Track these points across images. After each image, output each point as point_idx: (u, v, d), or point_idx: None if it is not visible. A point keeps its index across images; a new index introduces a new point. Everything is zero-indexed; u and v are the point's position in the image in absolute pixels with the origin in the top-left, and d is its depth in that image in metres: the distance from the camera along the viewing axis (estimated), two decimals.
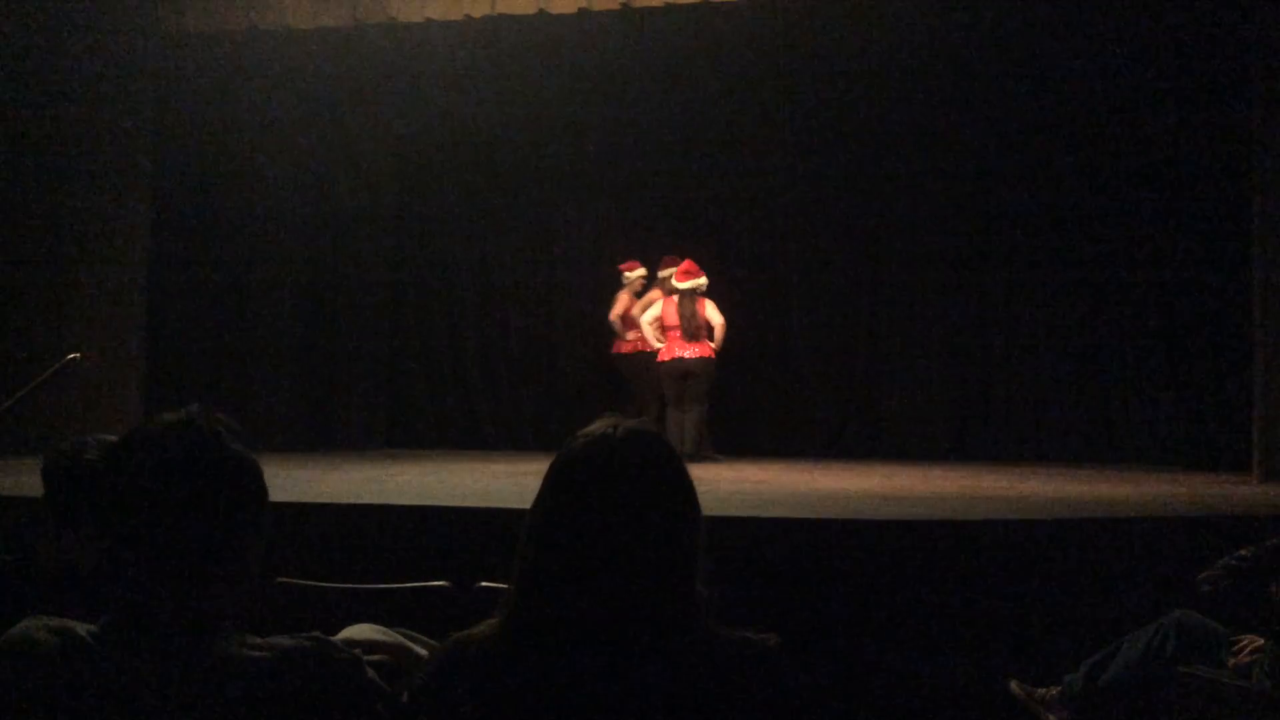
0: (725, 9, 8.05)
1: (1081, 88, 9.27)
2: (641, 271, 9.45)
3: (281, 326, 10.03)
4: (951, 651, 4.50)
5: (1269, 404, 7.16)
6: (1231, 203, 8.14)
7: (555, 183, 10.86)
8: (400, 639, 2.22)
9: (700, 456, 8.72)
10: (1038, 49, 9.10)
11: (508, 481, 6.99)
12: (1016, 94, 9.49)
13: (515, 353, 10.99)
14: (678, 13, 8.09)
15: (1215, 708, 3.65)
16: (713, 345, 8.85)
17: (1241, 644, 3.80)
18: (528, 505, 1.71)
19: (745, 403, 9.88)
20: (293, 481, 6.43)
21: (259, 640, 1.64)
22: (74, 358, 7.10)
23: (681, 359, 8.81)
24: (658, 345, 9.00)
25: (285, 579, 3.13)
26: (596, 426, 1.71)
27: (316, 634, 1.70)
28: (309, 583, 3.19)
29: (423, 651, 2.19)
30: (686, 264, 9.04)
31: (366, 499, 5.90)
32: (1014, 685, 4.29)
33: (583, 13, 7.94)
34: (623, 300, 9.49)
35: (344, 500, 5.79)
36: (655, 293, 9.20)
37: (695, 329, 8.81)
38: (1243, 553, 3.92)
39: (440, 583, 3.21)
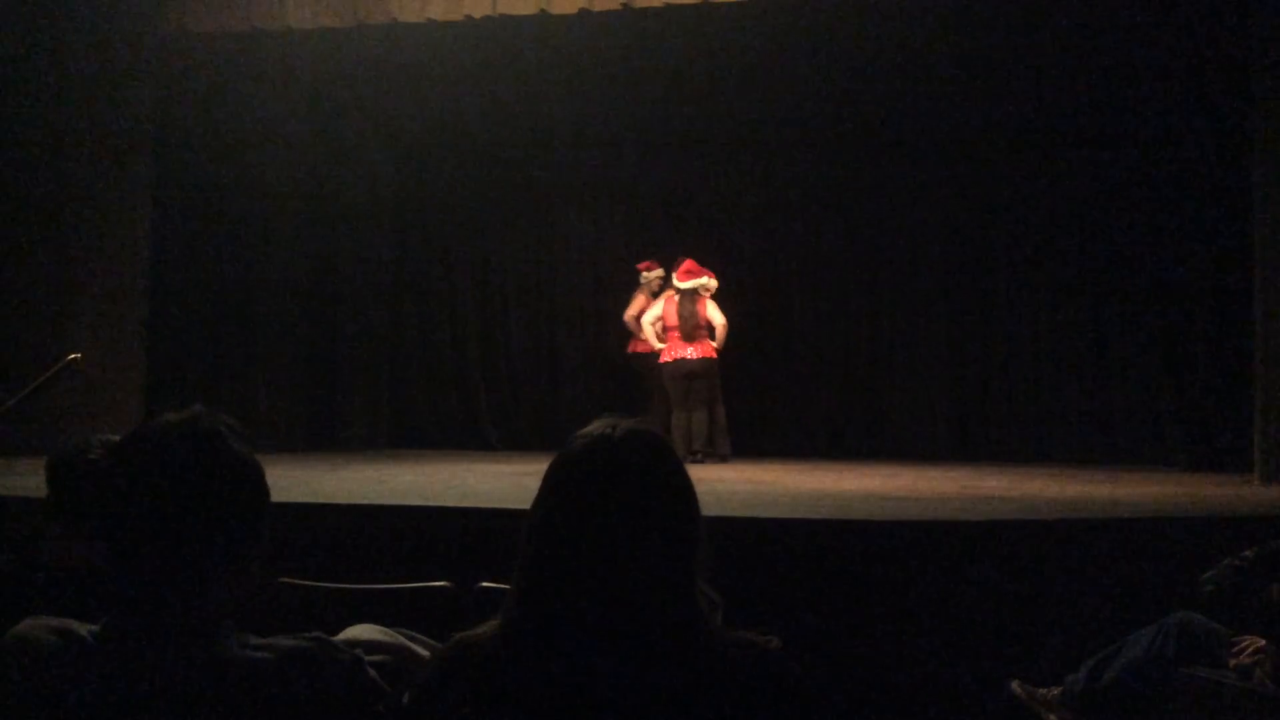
0: (726, 9, 8.04)
1: (1082, 88, 9.27)
2: (659, 272, 9.44)
3: (282, 327, 10.04)
4: (952, 651, 4.50)
5: (1269, 404, 7.15)
6: (1231, 203, 8.14)
7: (556, 183, 10.87)
8: (401, 639, 2.22)
9: (704, 457, 8.73)
10: (1038, 50, 9.09)
11: (508, 481, 6.99)
12: (1017, 93, 9.48)
13: (516, 353, 11.00)
14: (678, 13, 8.08)
15: (1217, 709, 3.65)
16: (714, 345, 8.86)
17: (1243, 645, 3.80)
18: (528, 505, 1.71)
19: (746, 403, 9.88)
20: (294, 482, 6.44)
21: (260, 640, 1.64)
22: (74, 358, 7.11)
23: (684, 359, 8.82)
24: (659, 346, 9.01)
25: (286, 579, 3.13)
26: (596, 427, 1.71)
27: (317, 634, 1.71)
28: (310, 583, 3.19)
29: (424, 652, 2.19)
30: (688, 263, 9.04)
31: (367, 499, 5.90)
32: (1015, 685, 4.28)
33: (584, 13, 7.93)
34: (639, 300, 9.49)
35: (345, 500, 5.80)
36: (670, 294, 9.22)
37: (693, 329, 8.81)
38: (1246, 554, 3.91)
39: (441, 583, 3.21)
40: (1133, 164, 9.30)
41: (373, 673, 1.75)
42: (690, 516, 1.69)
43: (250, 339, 9.86)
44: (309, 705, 1.60)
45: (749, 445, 9.36)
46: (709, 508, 1.75)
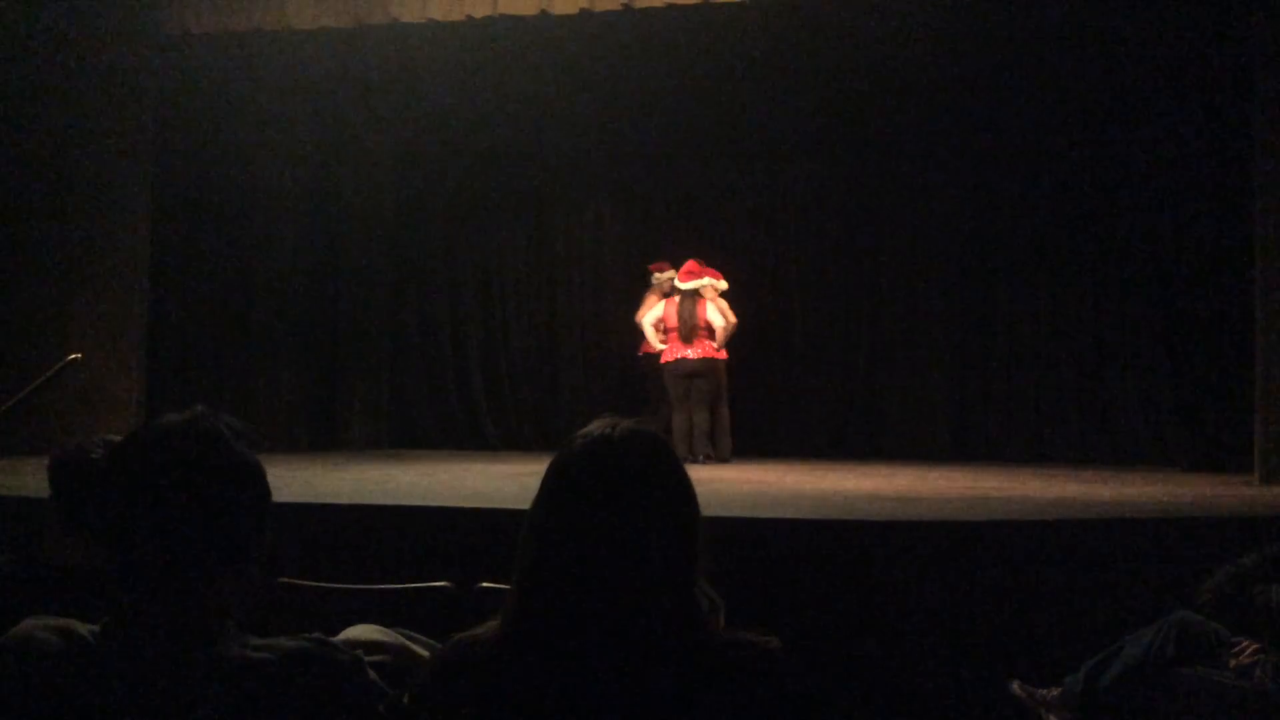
0: (726, 9, 8.04)
1: (1082, 89, 9.27)
2: (671, 273, 9.40)
3: (282, 327, 10.04)
4: (952, 651, 4.50)
5: (1269, 404, 7.15)
6: (1232, 203, 8.14)
7: (556, 183, 10.87)
8: (401, 640, 2.23)
9: (705, 458, 8.74)
10: (1038, 50, 9.10)
11: (509, 481, 6.98)
12: (1017, 93, 9.49)
13: (516, 353, 11.00)
14: (679, 13, 8.08)
15: (1217, 709, 3.65)
16: (715, 346, 8.86)
17: (1243, 645, 3.80)
18: (528, 505, 1.71)
19: (746, 403, 9.87)
20: (294, 482, 6.44)
21: (260, 641, 1.65)
22: (74, 358, 7.12)
23: (684, 358, 8.83)
24: (659, 347, 9.01)
25: (287, 579, 3.14)
26: (595, 427, 1.71)
27: (318, 635, 1.71)
28: (310, 583, 3.19)
29: (424, 652, 2.20)
30: (689, 264, 9.05)
31: (368, 499, 5.90)
32: (1015, 686, 4.29)
33: (584, 13, 7.94)
34: (650, 301, 9.48)
35: (345, 500, 5.80)
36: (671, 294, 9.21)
37: (692, 329, 8.81)
38: (1243, 559, 3.92)
39: (441, 583, 3.21)
40: (1133, 164, 9.29)
41: (373, 673, 1.76)
42: (690, 517, 1.69)
43: (250, 339, 9.86)
44: (309, 706, 1.61)
45: (749, 445, 9.36)
46: (709, 508, 1.76)
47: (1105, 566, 4.81)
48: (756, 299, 10.09)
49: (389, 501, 5.80)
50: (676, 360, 8.86)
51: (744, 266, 10.16)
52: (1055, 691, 4.21)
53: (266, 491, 1.70)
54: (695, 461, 8.62)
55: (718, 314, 8.90)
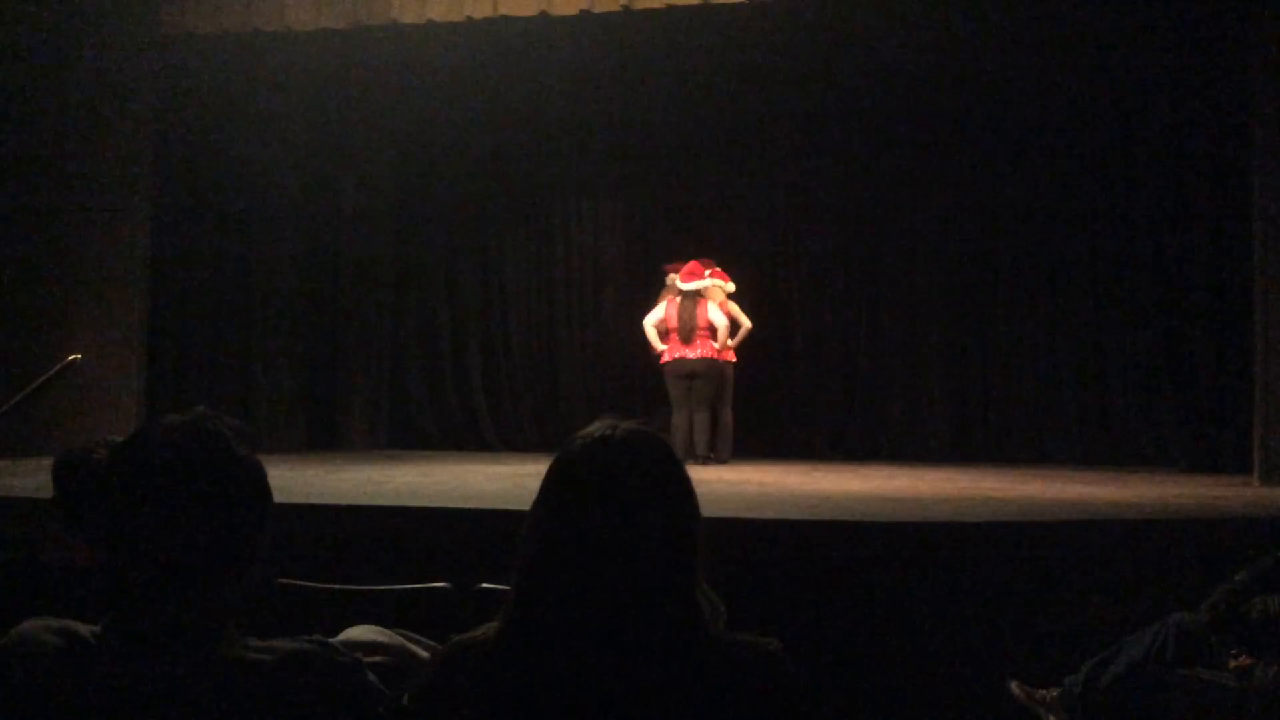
0: (726, 10, 8.04)
1: (1083, 90, 9.27)
2: None
3: (282, 327, 10.04)
4: (952, 652, 4.51)
5: (1269, 405, 7.15)
6: (1231, 203, 8.14)
7: (556, 183, 10.87)
8: (401, 640, 2.23)
9: (705, 459, 8.73)
10: (1037, 50, 9.10)
11: (508, 482, 6.99)
12: (1017, 93, 9.49)
13: (516, 353, 11.00)
14: (679, 14, 8.08)
15: (1216, 709, 3.65)
16: (715, 346, 8.85)
17: (1241, 657, 3.81)
18: (528, 506, 1.71)
19: (746, 404, 9.87)
20: (294, 482, 6.44)
21: (260, 642, 1.65)
22: (75, 359, 7.12)
23: (684, 359, 8.82)
24: (660, 348, 9.01)
25: (286, 580, 3.14)
26: (595, 427, 1.71)
27: (317, 636, 1.71)
28: (310, 584, 3.19)
29: (423, 653, 2.20)
30: (691, 265, 9.04)
31: (367, 500, 5.90)
32: (1014, 686, 4.29)
33: (584, 14, 7.94)
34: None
35: (345, 501, 5.80)
36: (672, 295, 9.17)
37: (691, 330, 8.81)
38: (1238, 577, 3.93)
39: (440, 584, 3.21)
40: (1133, 164, 9.30)
41: (372, 675, 1.76)
42: (690, 517, 1.69)
43: (250, 339, 9.86)
44: (309, 707, 1.60)
45: (749, 446, 9.36)
46: (709, 509, 1.76)
47: (1105, 567, 4.81)
48: (756, 299, 10.09)
49: (388, 502, 5.81)
50: (676, 360, 8.86)
51: (744, 267, 10.14)
52: (1055, 692, 4.22)
53: (267, 493, 1.70)
54: (695, 462, 8.62)
55: (720, 315, 8.89)
